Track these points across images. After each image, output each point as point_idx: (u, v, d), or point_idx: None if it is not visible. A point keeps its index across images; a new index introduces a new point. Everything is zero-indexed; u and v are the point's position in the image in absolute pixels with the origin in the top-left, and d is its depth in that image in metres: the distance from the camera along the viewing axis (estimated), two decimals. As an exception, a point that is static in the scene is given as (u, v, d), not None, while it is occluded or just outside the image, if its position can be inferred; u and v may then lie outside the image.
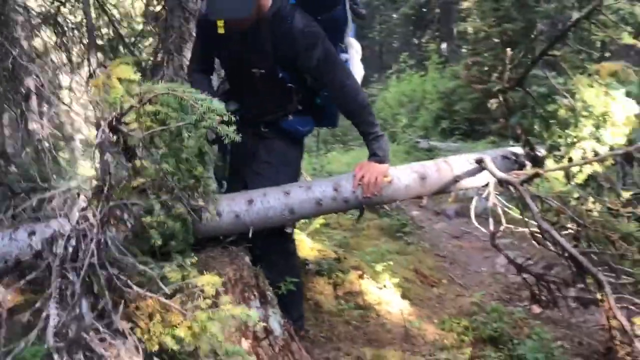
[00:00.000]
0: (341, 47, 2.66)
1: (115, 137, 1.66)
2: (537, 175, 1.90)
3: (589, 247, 1.77)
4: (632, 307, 1.51)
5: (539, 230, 1.84)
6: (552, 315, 3.66)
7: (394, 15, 25.25)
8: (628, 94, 2.42)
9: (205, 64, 2.67)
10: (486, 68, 9.26)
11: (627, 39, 1.85)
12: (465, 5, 21.02)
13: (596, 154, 2.07)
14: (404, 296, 3.84)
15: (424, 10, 20.93)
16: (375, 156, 2.45)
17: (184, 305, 1.44)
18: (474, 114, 9.74)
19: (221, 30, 2.31)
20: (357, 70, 2.71)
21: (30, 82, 4.66)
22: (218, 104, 1.56)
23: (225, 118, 1.55)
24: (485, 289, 4.22)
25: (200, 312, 1.42)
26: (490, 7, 10.10)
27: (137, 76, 2.19)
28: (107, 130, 1.60)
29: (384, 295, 3.67)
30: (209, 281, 1.46)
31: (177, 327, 1.47)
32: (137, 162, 1.67)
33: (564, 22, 8.17)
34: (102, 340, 1.26)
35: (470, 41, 11.84)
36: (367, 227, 5.89)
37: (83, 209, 1.54)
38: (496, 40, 10.15)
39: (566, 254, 1.69)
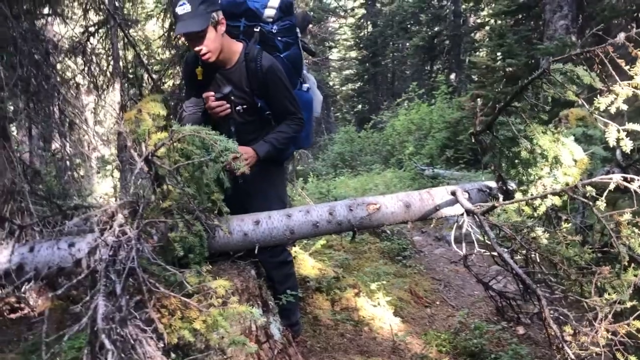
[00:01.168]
0: (302, 79, 3.23)
1: (147, 168, 2.06)
2: (494, 207, 2.25)
3: (533, 268, 2.12)
4: (562, 317, 1.85)
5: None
6: (535, 336, 3.97)
7: (407, 44, 25.83)
8: (590, 137, 2.79)
9: (196, 101, 3.07)
10: (489, 101, 9.62)
11: (572, 97, 2.20)
12: (477, 36, 21.59)
13: (554, 190, 2.43)
14: (396, 314, 4.17)
15: (435, 41, 21.45)
16: (257, 147, 2.87)
17: (200, 303, 1.81)
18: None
19: (200, 77, 2.91)
20: (317, 96, 3.32)
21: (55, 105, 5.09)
22: (232, 144, 1.96)
23: (238, 155, 1.95)
24: (475, 311, 4.52)
25: (213, 309, 1.79)
26: (496, 43, 10.53)
27: (164, 111, 2.60)
28: (142, 162, 1.99)
29: (378, 312, 4.00)
30: (221, 284, 1.84)
31: (194, 321, 1.85)
32: (165, 188, 2.05)
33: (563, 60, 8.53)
34: (137, 327, 1.63)
35: (478, 73, 12.24)
36: (369, 250, 6.22)
37: (121, 225, 1.92)
38: (502, 73, 10.55)
39: (514, 273, 2.03)
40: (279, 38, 3.01)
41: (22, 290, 3.52)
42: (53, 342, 2.00)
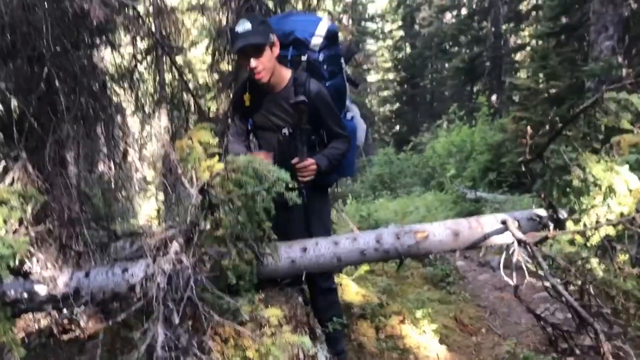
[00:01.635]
0: (346, 108, 3.30)
1: (202, 197, 2.12)
2: (546, 238, 2.22)
3: (588, 301, 2.07)
4: (621, 353, 1.79)
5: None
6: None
7: (446, 65, 25.74)
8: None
9: (241, 129, 3.17)
10: (532, 124, 9.47)
11: (626, 125, 2.16)
12: (518, 57, 21.37)
13: (608, 220, 2.37)
14: (441, 342, 4.10)
15: (475, 62, 21.31)
16: (318, 160, 2.90)
17: (254, 332, 1.84)
18: (521, 167, 9.90)
19: (247, 103, 3.01)
20: (361, 125, 3.37)
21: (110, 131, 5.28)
22: (284, 175, 2.00)
23: (290, 185, 1.99)
24: (522, 340, 4.41)
25: (266, 337, 1.81)
26: (538, 64, 10.41)
27: (214, 140, 2.67)
28: (197, 191, 2.05)
29: (423, 340, 3.95)
30: (273, 313, 1.86)
31: (247, 349, 1.87)
32: (218, 216, 2.10)
33: (611, 81, 8.38)
34: (194, 355, 1.66)
35: (519, 95, 12.11)
36: (412, 276, 6.16)
37: (177, 253, 1.97)
38: (545, 95, 10.39)
39: (568, 305, 1.99)
40: (325, 67, 3.08)
41: (74, 312, 3.63)
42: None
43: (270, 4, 5.26)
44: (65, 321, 3.72)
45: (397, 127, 30.83)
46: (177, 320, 1.67)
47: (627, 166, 2.35)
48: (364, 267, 4.80)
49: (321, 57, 3.05)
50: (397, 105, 30.52)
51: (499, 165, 11.16)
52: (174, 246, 1.99)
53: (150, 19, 6.69)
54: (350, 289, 4.27)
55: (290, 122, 2.97)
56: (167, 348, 1.59)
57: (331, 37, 3.05)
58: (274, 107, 2.98)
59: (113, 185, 7.70)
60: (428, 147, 16.72)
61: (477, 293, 5.90)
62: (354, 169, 3.44)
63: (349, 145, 3.07)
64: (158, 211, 10.05)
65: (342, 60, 3.16)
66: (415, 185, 15.25)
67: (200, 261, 2.06)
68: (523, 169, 2.66)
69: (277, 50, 2.87)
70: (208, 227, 2.11)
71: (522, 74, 18.94)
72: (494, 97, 19.90)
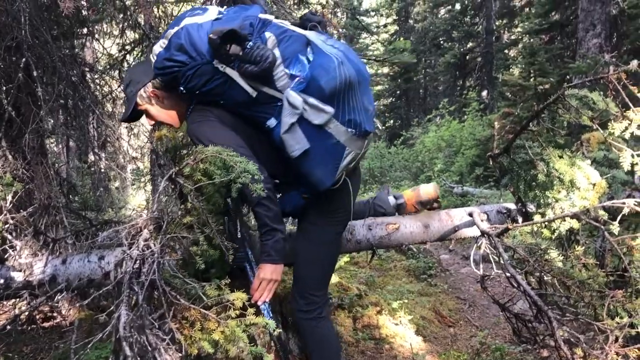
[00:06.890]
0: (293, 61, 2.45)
1: (172, 186, 2.17)
2: (507, 229, 2.29)
3: (546, 291, 2.14)
4: (572, 340, 1.87)
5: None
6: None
7: (440, 60, 25.79)
8: (611, 161, 2.79)
9: None
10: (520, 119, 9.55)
11: (586, 121, 2.23)
12: (512, 52, 21.46)
13: (563, 213, 2.44)
14: (419, 332, 4.18)
15: (467, 58, 21.41)
16: (269, 256, 2.36)
17: (219, 315, 1.90)
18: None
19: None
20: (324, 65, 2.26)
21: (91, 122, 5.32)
22: (252, 166, 2.06)
23: (256, 177, 2.05)
24: (499, 332, 4.50)
25: (231, 320, 1.87)
26: (528, 61, 10.48)
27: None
28: (167, 180, 2.10)
29: (399, 330, 4.03)
30: (238, 297, 1.92)
31: (213, 332, 1.93)
32: (188, 204, 2.15)
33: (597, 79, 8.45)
34: (156, 336, 1.72)
35: (509, 91, 12.19)
36: (394, 268, 6.25)
37: (146, 239, 2.02)
38: (533, 92, 10.47)
39: (526, 294, 2.06)
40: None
41: (55, 300, 3.68)
42: (81, 351, 2.11)
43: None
44: (47, 309, 3.77)
45: (391, 122, 30.86)
46: (140, 302, 1.73)
47: (588, 161, 2.41)
48: (344, 259, 4.87)
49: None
50: (391, 99, 30.55)
51: (486, 161, 11.20)
52: (144, 233, 2.04)
53: (139, 9, 6.70)
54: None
55: None
56: (129, 328, 1.65)
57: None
58: None
59: (103, 176, 7.72)
60: (418, 141, 16.81)
61: (458, 286, 6.00)
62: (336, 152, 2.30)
63: (269, 197, 2.26)
64: (147, 202, 10.11)
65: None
66: (404, 179, 15.33)
67: (169, 247, 2.11)
68: (491, 163, 2.72)
69: (161, 94, 2.48)
70: (178, 214, 2.16)
71: (515, 70, 19.02)
72: (484, 93, 19.99)
